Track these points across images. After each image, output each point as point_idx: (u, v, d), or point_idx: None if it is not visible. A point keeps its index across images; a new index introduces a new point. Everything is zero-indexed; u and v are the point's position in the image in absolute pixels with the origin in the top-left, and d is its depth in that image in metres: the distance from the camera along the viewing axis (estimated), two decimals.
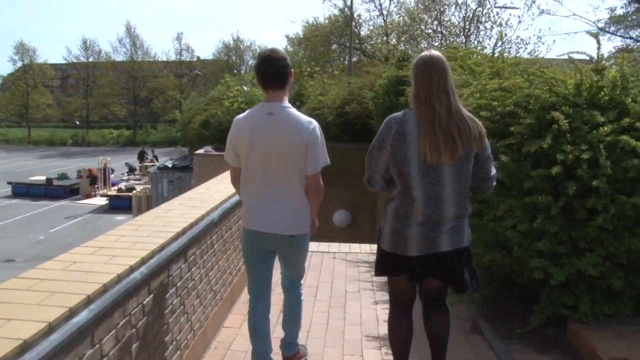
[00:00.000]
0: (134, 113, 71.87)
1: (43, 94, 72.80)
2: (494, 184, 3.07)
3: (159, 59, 74.29)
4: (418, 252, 2.87)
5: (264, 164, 3.15)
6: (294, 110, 3.21)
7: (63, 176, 32.33)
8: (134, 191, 23.39)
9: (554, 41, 37.82)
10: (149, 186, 23.46)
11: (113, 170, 33.50)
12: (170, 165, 22.72)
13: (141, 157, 39.75)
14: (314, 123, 3.20)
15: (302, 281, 3.64)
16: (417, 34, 29.83)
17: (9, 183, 31.28)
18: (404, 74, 7.86)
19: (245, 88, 23.97)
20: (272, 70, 3.16)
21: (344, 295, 4.95)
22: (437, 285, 3.05)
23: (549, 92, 4.10)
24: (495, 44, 16.62)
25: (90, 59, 72.18)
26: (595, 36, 4.49)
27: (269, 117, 3.13)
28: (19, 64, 72.94)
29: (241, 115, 3.32)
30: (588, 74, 4.02)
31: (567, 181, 3.61)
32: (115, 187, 28.93)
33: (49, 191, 30.18)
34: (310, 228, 3.37)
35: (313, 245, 6.65)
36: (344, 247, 6.66)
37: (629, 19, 30.00)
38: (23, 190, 30.50)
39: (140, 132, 69.98)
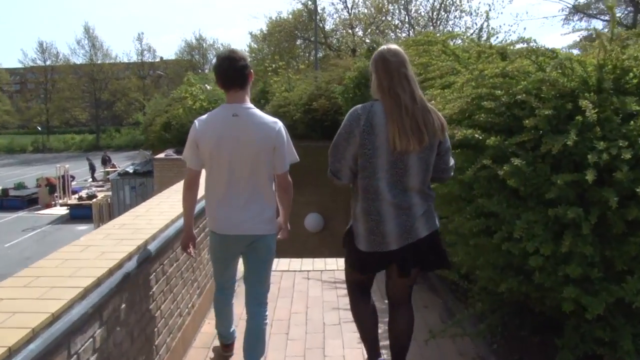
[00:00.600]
0: (97, 117, 69.98)
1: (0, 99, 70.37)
2: (452, 174, 3.13)
3: (120, 61, 72.56)
4: (398, 244, 2.89)
5: (230, 166, 3.14)
6: (257, 111, 3.21)
7: (20, 186, 30.80)
8: (94, 200, 22.15)
9: (525, 29, 37.27)
10: (110, 194, 22.27)
11: (73, 178, 32.09)
12: (131, 171, 21.57)
13: (104, 162, 38.35)
14: (279, 123, 3.22)
15: (266, 299, 3.52)
16: (384, 25, 29.10)
17: None
18: None
19: (208, 87, 22.92)
20: (232, 69, 3.14)
21: (322, 330, 4.13)
22: (404, 284, 3.11)
23: (562, 75, 3.34)
24: (482, 26, 15.82)
25: (48, 62, 69.98)
26: (610, 8, 3.75)
27: (234, 119, 3.12)
28: None
29: (203, 116, 3.26)
30: (614, 53, 3.26)
31: (599, 187, 2.85)
32: (76, 196, 27.56)
33: (5, 202, 28.66)
34: (282, 232, 3.49)
35: (283, 263, 5.88)
36: (319, 263, 5.83)
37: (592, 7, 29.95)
38: None
39: (104, 136, 68.24)
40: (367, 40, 25.84)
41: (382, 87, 2.87)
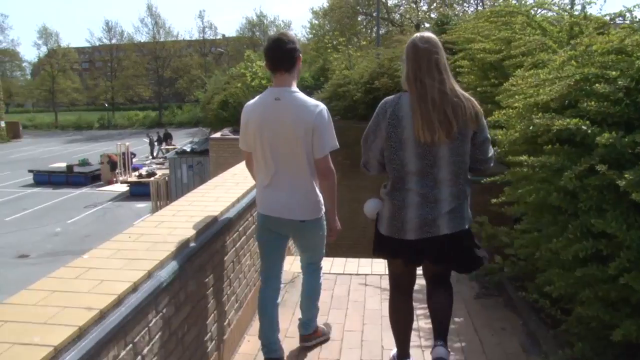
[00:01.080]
0: (159, 94, 71.14)
1: (68, 77, 72.44)
2: (492, 164, 3.02)
3: (182, 38, 73.30)
4: (416, 235, 2.85)
5: (273, 150, 3.17)
6: (301, 95, 3.21)
7: (84, 162, 31.35)
8: (152, 178, 22.14)
9: None
10: (168, 172, 22.21)
11: (135, 155, 32.43)
12: (188, 150, 21.38)
13: (165, 139, 38.66)
14: (321, 106, 3.19)
15: (321, 263, 3.63)
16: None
17: (30, 171, 30.44)
18: (449, 39, 6.36)
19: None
20: (280, 51, 3.14)
21: (379, 356, 3.49)
22: (435, 268, 3.07)
23: None
24: None
25: (113, 41, 71.49)
26: None
27: (277, 103, 3.15)
28: (43, 48, 73.04)
29: (251, 101, 3.33)
30: None
31: None
32: (137, 173, 27.77)
33: (70, 179, 29.23)
34: (331, 231, 3.44)
35: (338, 264, 5.26)
36: (379, 265, 5.15)
37: None
38: (44, 179, 29.59)
39: (166, 113, 69.19)
40: (433, 15, 24.61)
41: (410, 78, 2.81)
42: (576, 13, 4.83)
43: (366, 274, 4.99)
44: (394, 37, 16.22)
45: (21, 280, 14.72)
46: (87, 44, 74.59)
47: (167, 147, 34.42)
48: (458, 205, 2.86)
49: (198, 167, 20.50)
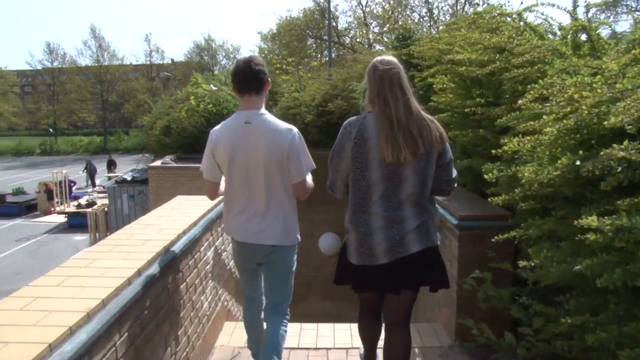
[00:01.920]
0: (104, 119, 68.96)
1: (6, 101, 69.53)
2: (455, 185, 3.04)
3: (128, 62, 71.56)
4: (388, 258, 2.84)
5: (245, 176, 3.16)
6: (271, 117, 3.19)
7: (19, 191, 29.45)
8: (90, 209, 20.72)
9: None
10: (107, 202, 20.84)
11: (74, 183, 30.74)
12: (129, 179, 20.11)
13: (109, 166, 36.98)
14: (294, 130, 3.17)
15: (287, 310, 3.46)
16: (404, 20, 27.34)
17: None
18: (417, 52, 5.70)
19: (214, 87, 21.42)
20: (250, 73, 3.13)
21: None
22: (400, 305, 3.04)
23: None
24: None
25: (55, 64, 69.14)
26: None
27: (247, 127, 3.13)
28: None
29: (217, 126, 3.29)
30: None
31: None
32: (75, 203, 26.15)
33: (2, 209, 27.23)
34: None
35: (292, 332, 4.34)
36: (342, 333, 4.25)
37: None
38: None
39: (112, 138, 67.10)
40: (386, 37, 24.18)
41: (375, 98, 2.83)
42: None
43: (327, 348, 4.08)
44: (348, 57, 15.53)
45: None
46: (27, 67, 71.94)
47: (110, 174, 32.80)
48: (423, 222, 2.85)
49: (140, 197, 19.25)
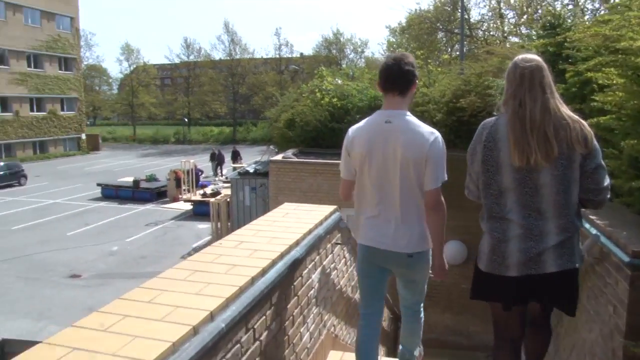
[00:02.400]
0: (234, 110, 71.45)
1: (148, 92, 74.30)
2: (607, 196, 2.69)
3: (258, 56, 73.77)
4: (518, 272, 2.65)
5: (381, 176, 3.01)
6: (414, 119, 3.02)
7: (151, 178, 30.95)
8: (213, 199, 21.10)
9: None
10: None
11: (202, 172, 31.78)
12: (251, 171, 20.22)
13: (234, 157, 37.99)
14: (436, 133, 2.98)
15: (422, 309, 3.47)
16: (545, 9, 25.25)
17: (98, 185, 30.33)
18: (565, 43, 4.75)
19: (339, 81, 21.00)
20: (397, 71, 2.96)
21: None
22: (538, 307, 2.90)
23: None
24: None
25: (191, 57, 72.72)
26: None
27: (387, 126, 2.98)
28: (125, 64, 75.53)
29: (357, 124, 3.15)
30: None
31: None
32: (201, 191, 26.95)
33: (136, 194, 28.80)
34: (436, 271, 3.15)
35: None
36: None
37: None
38: (112, 193, 29.37)
39: (241, 129, 69.31)
40: (524, 30, 22.43)
41: (508, 98, 2.68)
42: None
43: None
44: (481, 50, 14.31)
45: (68, 305, 13.99)
46: (166, 61, 76.41)
47: (236, 165, 33.56)
48: (567, 239, 2.62)
49: (261, 189, 19.25)
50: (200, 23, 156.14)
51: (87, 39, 73.76)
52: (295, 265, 3.12)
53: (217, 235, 19.88)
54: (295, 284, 3.16)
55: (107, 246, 19.77)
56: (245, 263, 2.72)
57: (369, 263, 3.18)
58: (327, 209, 4.18)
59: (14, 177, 33.49)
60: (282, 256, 2.95)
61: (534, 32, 7.60)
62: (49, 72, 49.95)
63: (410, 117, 2.99)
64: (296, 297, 3.18)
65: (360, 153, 3.01)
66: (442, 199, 3.00)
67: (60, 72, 51.49)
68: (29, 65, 47.99)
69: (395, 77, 2.97)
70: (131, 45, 77.82)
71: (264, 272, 2.66)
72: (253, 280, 2.53)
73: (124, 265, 17.55)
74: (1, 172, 32.80)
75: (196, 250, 19.06)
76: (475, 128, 8.32)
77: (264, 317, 2.61)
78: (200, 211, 24.24)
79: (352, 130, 3.13)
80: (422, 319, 3.49)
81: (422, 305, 3.47)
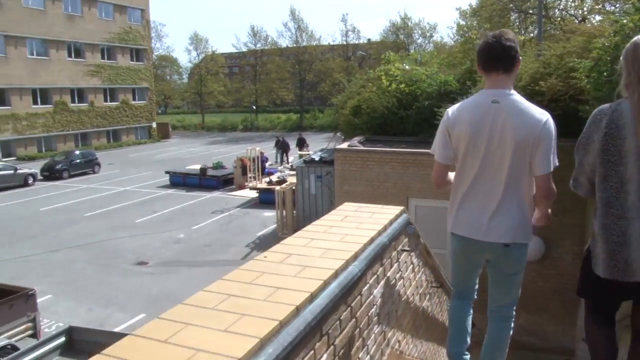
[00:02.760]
0: (301, 97, 71.38)
1: (217, 81, 75.33)
2: None
3: (325, 42, 73.36)
4: None
5: (484, 160, 2.79)
6: (522, 99, 2.78)
7: (218, 165, 31.13)
8: (278, 187, 20.82)
9: None
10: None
11: (267, 159, 31.71)
12: (317, 159, 19.82)
13: (300, 144, 37.76)
14: (547, 115, 2.75)
15: (513, 312, 3.15)
16: None
17: (166, 172, 30.79)
18: None
19: (407, 66, 20.23)
20: (499, 48, 2.74)
21: None
22: None
23: None
24: None
25: (258, 45, 73.10)
26: None
27: (494, 106, 2.75)
28: (194, 53, 76.96)
29: (456, 105, 2.94)
30: None
31: None
32: (267, 179, 26.81)
33: (203, 182, 29.03)
34: (540, 218, 2.88)
35: None
36: None
37: None
38: (180, 180, 29.73)
39: (308, 116, 69.24)
40: (608, 6, 20.86)
41: (631, 82, 2.41)
42: None
43: None
44: (567, 26, 13.17)
45: (133, 293, 14.08)
46: (233, 49, 77.25)
47: (302, 153, 33.28)
48: None
49: (327, 178, 18.86)
50: (267, 11, 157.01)
51: (158, 30, 75.31)
52: (354, 284, 2.62)
53: (282, 223, 19.64)
54: (352, 304, 2.63)
55: (174, 234, 19.90)
56: (290, 285, 2.26)
57: (462, 254, 3.10)
58: (393, 210, 3.63)
59: (88, 165, 34.54)
60: (336, 275, 2.42)
61: (631, 4, 6.72)
62: (121, 63, 51.33)
63: (519, 97, 2.77)
64: (354, 320, 2.65)
65: (464, 135, 2.79)
66: (554, 185, 2.77)
67: (131, 63, 52.83)
68: (103, 57, 49.50)
69: (497, 54, 2.75)
70: (200, 34, 78.92)
71: (312, 297, 2.16)
72: (298, 310, 2.04)
73: (189, 253, 17.57)
74: (77, 161, 33.92)
75: (261, 239, 18.92)
76: (556, 114, 7.41)
77: (312, 351, 2.12)
78: (266, 199, 24.08)
79: (452, 110, 2.90)
80: (511, 331, 3.15)
81: (514, 309, 3.16)
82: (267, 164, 31.10)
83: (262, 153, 29.32)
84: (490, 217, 2.82)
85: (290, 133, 61.52)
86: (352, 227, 3.24)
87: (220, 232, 20.01)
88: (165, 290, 14.31)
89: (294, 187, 20.16)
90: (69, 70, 45.69)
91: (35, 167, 33.01)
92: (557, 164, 2.75)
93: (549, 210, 2.91)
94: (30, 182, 30.34)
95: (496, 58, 2.76)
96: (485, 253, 2.98)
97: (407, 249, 3.70)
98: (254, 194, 26.01)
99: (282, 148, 36.88)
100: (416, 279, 4.17)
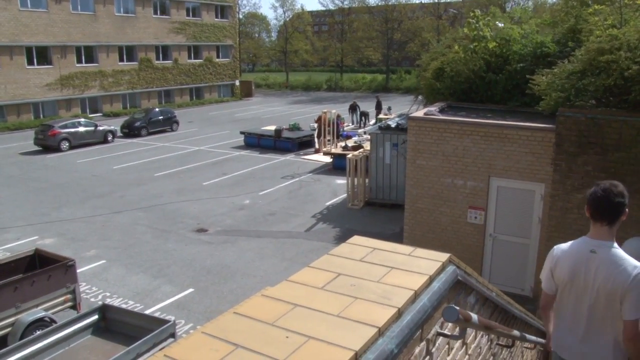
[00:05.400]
0: (388, 57, 68.88)
1: (302, 39, 74.04)
2: None
3: (414, 0, 70.10)
4: None
5: (578, 301, 3.26)
6: (619, 252, 3.15)
7: (294, 127, 30.01)
8: (350, 154, 19.31)
9: None
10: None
11: (344, 123, 30.26)
12: (393, 125, 18.15)
13: (378, 107, 35.94)
14: (639, 269, 3.04)
15: None
16: None
17: (241, 133, 30.02)
18: None
19: (500, 24, 17.95)
20: (607, 204, 3.08)
21: None
22: None
23: None
24: None
25: (346, 3, 70.95)
26: None
27: (592, 255, 3.16)
28: (279, 10, 75.94)
29: (562, 245, 3.40)
30: None
31: None
32: (343, 144, 25.36)
33: (278, 143, 28.01)
34: None
35: None
36: None
37: None
38: (254, 141, 28.86)
39: (394, 77, 66.81)
40: None
41: None
42: None
43: None
44: None
45: (188, 263, 13.28)
46: (320, 7, 75.50)
47: (382, 117, 31.47)
48: None
49: (403, 146, 17.18)
50: None
51: None
52: None
53: (353, 194, 18.28)
54: None
55: (239, 199, 19.02)
56: None
57: None
58: (432, 262, 2.19)
59: (167, 123, 34.42)
60: None
61: None
62: (206, 20, 50.93)
63: (616, 250, 3.12)
64: None
65: (563, 279, 3.31)
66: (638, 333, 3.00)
67: (216, 20, 52.35)
68: (188, 14, 49.23)
69: (604, 210, 3.09)
70: None
71: None
72: None
73: (252, 221, 16.59)
74: (156, 118, 33.82)
75: (329, 209, 17.67)
76: None
77: None
78: (340, 165, 22.71)
79: (557, 250, 3.39)
80: None
81: None
82: (343, 127, 29.68)
83: (338, 115, 27.89)
84: (581, 346, 3.29)
85: (375, 94, 59.64)
86: (364, 281, 1.91)
87: (288, 200, 18.91)
88: (219, 262, 13.41)
89: (367, 155, 18.68)
90: (155, 27, 45.77)
91: (118, 124, 33.25)
92: None
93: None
94: (109, 139, 30.50)
95: (602, 212, 3.10)
96: None
97: (448, 334, 2.20)
98: (327, 159, 24.72)
99: (361, 112, 35.21)
100: (468, 353, 2.70)
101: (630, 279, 2.98)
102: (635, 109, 7.15)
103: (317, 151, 26.86)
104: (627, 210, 3.08)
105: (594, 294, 3.12)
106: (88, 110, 40.65)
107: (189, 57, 49.83)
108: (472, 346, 2.87)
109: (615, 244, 3.14)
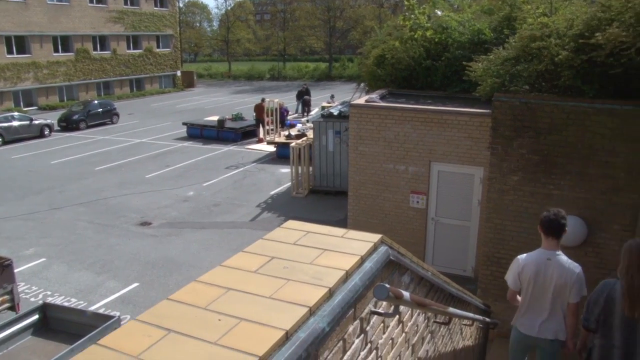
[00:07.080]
0: (330, 45, 69.04)
1: (243, 29, 73.31)
2: None
3: None
4: None
5: (539, 294, 4.82)
6: (564, 258, 4.73)
7: (237, 117, 29.75)
8: (293, 143, 19.36)
9: None
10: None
11: (288, 112, 30.23)
12: (335, 113, 18.28)
13: (300, 97, 35.95)
14: (579, 269, 4.70)
15: None
16: None
17: (184, 124, 29.57)
18: None
19: (439, 12, 18.21)
20: (556, 224, 4.63)
21: None
22: None
23: None
24: None
25: None
26: None
27: (548, 262, 4.71)
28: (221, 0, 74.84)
29: (523, 255, 4.93)
30: None
31: None
32: (286, 132, 25.36)
33: (221, 134, 27.71)
34: (567, 344, 4.86)
35: None
36: None
37: None
38: (197, 132, 28.44)
39: (337, 65, 67.04)
40: None
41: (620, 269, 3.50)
42: None
43: None
44: None
45: (132, 257, 13.07)
46: None
47: (326, 105, 31.56)
48: None
49: (346, 134, 17.29)
50: None
51: None
52: None
53: (297, 182, 18.35)
54: None
55: (183, 190, 18.80)
56: None
57: (519, 343, 5.16)
58: (364, 243, 2.25)
59: (107, 116, 33.51)
60: None
61: None
62: (144, 9, 49.73)
63: (563, 256, 4.73)
64: None
65: (529, 279, 4.82)
66: (578, 308, 4.70)
67: (155, 9, 51.19)
68: (126, 3, 47.93)
69: (554, 229, 4.64)
70: None
71: None
72: None
73: (196, 213, 16.44)
74: (95, 111, 32.88)
75: (274, 198, 17.69)
76: (613, 74, 5.64)
77: None
78: (284, 154, 22.66)
79: (521, 259, 4.92)
80: None
81: None
82: (287, 116, 29.66)
83: (280, 105, 27.84)
84: (540, 323, 4.90)
85: (318, 83, 59.75)
86: (297, 267, 1.96)
87: (232, 190, 18.82)
88: (164, 255, 13.25)
89: (310, 143, 18.76)
90: (91, 16, 44.35)
91: (55, 117, 32.16)
92: (584, 294, 4.67)
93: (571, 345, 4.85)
94: (46, 133, 29.50)
95: (553, 230, 4.64)
96: (532, 343, 5.07)
97: (381, 311, 2.29)
98: (271, 149, 24.68)
99: (304, 99, 35.11)
100: (405, 331, 2.79)
101: (575, 276, 4.58)
102: (565, 93, 7.45)
103: (260, 141, 26.77)
104: (567, 229, 4.62)
105: (551, 288, 4.63)
106: (22, 104, 39.13)
107: (128, 48, 48.57)
108: (409, 324, 2.97)
109: (561, 252, 4.67)
